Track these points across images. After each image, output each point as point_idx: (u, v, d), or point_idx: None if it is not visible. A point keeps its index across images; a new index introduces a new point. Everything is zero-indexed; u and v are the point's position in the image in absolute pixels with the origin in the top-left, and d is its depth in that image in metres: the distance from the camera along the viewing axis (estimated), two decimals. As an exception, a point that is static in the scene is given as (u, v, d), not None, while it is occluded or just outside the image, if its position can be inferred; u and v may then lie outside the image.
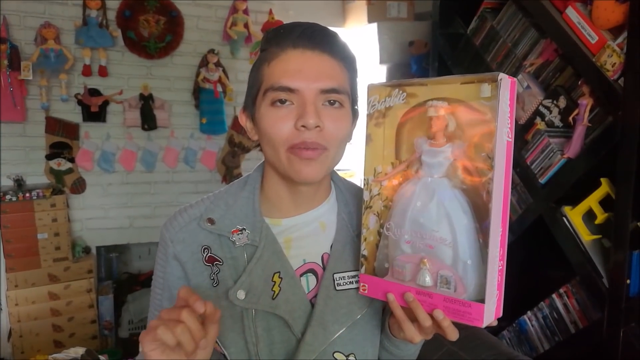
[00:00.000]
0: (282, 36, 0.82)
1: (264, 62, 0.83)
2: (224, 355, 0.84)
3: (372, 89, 0.77)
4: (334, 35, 0.83)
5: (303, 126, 0.77)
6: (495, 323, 0.69)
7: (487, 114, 0.64)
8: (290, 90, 0.78)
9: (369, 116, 0.77)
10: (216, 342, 0.85)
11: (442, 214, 0.69)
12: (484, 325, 0.66)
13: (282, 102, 0.79)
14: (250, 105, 0.86)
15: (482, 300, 0.65)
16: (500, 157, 0.64)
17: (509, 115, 0.65)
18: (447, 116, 0.68)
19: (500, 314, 0.69)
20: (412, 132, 0.72)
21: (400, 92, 0.73)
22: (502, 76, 0.63)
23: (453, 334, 0.71)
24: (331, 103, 0.80)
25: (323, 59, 0.80)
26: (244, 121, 0.89)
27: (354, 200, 0.94)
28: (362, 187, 0.80)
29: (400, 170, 0.74)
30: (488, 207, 0.64)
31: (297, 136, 0.78)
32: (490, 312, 0.67)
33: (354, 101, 0.87)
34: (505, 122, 0.64)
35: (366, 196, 0.78)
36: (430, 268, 0.70)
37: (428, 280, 0.70)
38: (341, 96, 0.81)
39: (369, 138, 0.78)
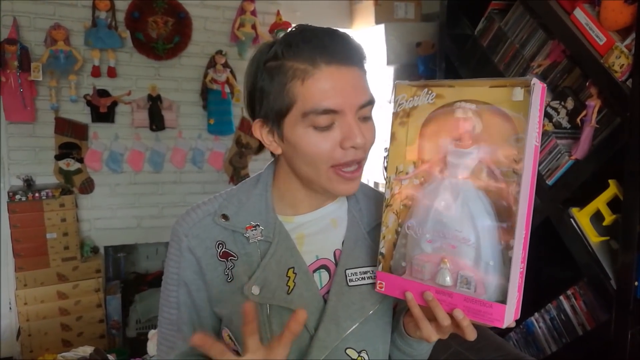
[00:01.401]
0: (310, 49, 0.78)
1: (294, 78, 0.78)
2: (237, 352, 0.85)
3: (399, 87, 0.77)
4: (358, 46, 0.83)
5: (353, 147, 0.79)
6: (513, 324, 0.69)
7: (516, 117, 0.64)
8: (333, 112, 0.78)
9: (395, 115, 0.77)
10: (230, 338, 0.86)
11: (466, 215, 0.69)
12: (505, 326, 0.66)
13: (327, 126, 0.79)
14: (275, 120, 0.82)
15: (504, 301, 0.65)
16: (529, 161, 0.65)
17: (538, 120, 0.65)
18: (474, 118, 0.68)
19: (519, 316, 0.70)
20: (436, 133, 0.73)
21: (428, 92, 0.73)
22: (535, 81, 0.63)
23: (472, 334, 0.71)
24: (366, 118, 0.82)
25: (355, 73, 0.80)
26: (259, 134, 0.86)
27: (363, 198, 0.95)
28: (384, 184, 0.80)
29: (423, 170, 0.74)
30: (513, 210, 0.64)
31: (343, 155, 0.80)
32: (510, 314, 0.67)
33: None
34: (534, 126, 0.65)
35: (387, 194, 0.78)
36: (450, 268, 0.70)
37: (448, 280, 0.70)
38: (372, 106, 0.83)
39: (393, 137, 0.78)
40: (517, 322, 2.07)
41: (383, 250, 0.79)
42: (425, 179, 0.74)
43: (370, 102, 0.82)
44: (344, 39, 0.81)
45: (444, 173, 0.72)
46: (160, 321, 0.92)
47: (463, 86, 0.70)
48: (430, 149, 0.74)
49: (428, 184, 0.74)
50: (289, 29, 0.84)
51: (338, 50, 0.79)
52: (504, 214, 0.66)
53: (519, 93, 0.64)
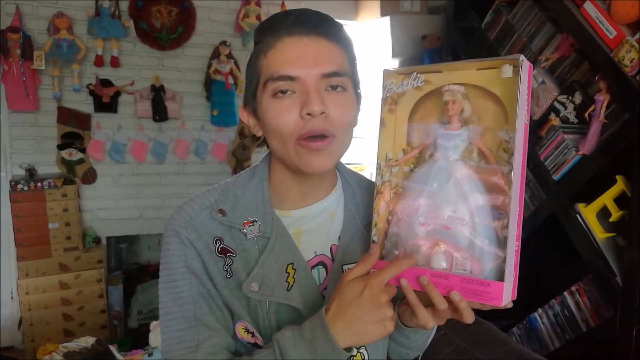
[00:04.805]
0: (276, 25, 0.80)
1: (260, 54, 0.80)
2: (257, 344, 0.82)
3: (387, 74, 0.77)
4: (328, 19, 0.82)
5: (308, 114, 0.75)
6: (510, 305, 0.68)
7: (504, 96, 0.65)
8: (290, 78, 0.76)
9: (384, 101, 0.77)
10: (246, 331, 0.83)
11: (460, 195, 0.69)
12: (502, 305, 0.65)
13: (284, 92, 0.77)
14: (251, 100, 0.83)
15: (501, 279, 0.65)
16: (519, 139, 0.65)
17: (527, 98, 0.66)
18: (463, 100, 0.69)
19: (515, 297, 0.68)
20: (425, 118, 0.73)
21: (416, 78, 0.73)
22: (523, 58, 0.64)
23: (470, 317, 0.69)
24: (334, 88, 0.78)
25: (320, 43, 0.79)
26: (245, 118, 0.86)
27: (360, 191, 0.93)
28: (375, 172, 0.79)
29: (412, 156, 0.74)
30: (505, 189, 0.65)
31: (303, 125, 0.76)
32: (508, 292, 0.66)
33: (355, 84, 0.85)
34: (524, 104, 0.65)
35: (378, 181, 0.78)
36: (445, 250, 0.69)
37: (444, 263, 0.69)
38: (343, 79, 0.79)
39: (382, 123, 0.77)
40: (521, 317, 2.07)
41: (375, 238, 0.77)
42: (415, 165, 0.74)
43: (337, 73, 0.78)
44: (310, 13, 0.80)
45: (435, 156, 0.72)
46: (170, 325, 0.82)
47: (450, 70, 0.70)
48: (419, 134, 0.73)
49: (419, 169, 0.73)
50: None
51: (300, 21, 0.78)
52: (496, 193, 0.66)
53: (508, 70, 0.65)
